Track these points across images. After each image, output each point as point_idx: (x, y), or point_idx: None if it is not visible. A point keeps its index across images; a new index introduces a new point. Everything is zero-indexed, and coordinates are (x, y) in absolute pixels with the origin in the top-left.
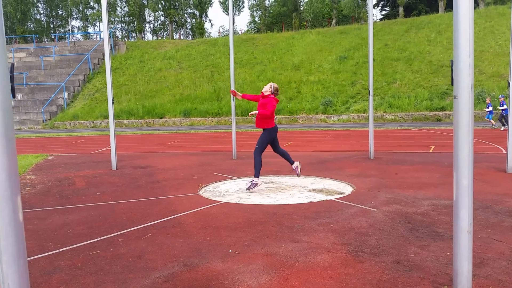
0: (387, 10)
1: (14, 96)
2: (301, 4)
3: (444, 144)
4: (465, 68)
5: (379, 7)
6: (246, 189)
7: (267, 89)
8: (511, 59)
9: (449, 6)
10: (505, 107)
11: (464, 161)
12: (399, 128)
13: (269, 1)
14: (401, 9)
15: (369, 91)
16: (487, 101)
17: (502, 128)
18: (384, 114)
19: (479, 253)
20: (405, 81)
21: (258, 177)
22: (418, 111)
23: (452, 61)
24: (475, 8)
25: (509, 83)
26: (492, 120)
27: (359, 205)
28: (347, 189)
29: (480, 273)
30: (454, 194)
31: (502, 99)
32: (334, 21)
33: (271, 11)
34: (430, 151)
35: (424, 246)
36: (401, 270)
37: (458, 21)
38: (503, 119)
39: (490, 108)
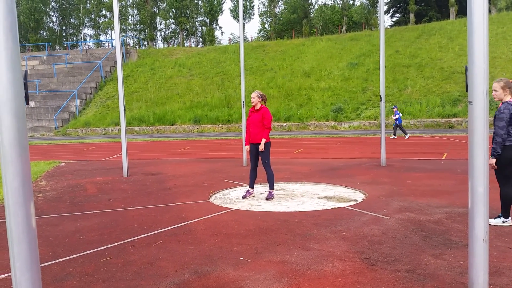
0: (397, 17)
1: (27, 103)
2: (311, 11)
3: (456, 151)
4: (480, 74)
5: (390, 14)
6: (266, 198)
7: (256, 100)
8: None
9: (461, 12)
10: (397, 116)
11: (480, 168)
12: (410, 135)
13: (279, 9)
14: (411, 16)
15: (380, 98)
16: (395, 109)
17: (392, 137)
18: (396, 121)
19: (495, 262)
20: (416, 87)
21: (273, 188)
22: (430, 118)
23: (466, 67)
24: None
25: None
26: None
27: (371, 213)
28: (359, 196)
29: (496, 283)
30: (469, 202)
31: (395, 109)
32: (344, 28)
33: (281, 18)
34: (443, 158)
35: (438, 254)
36: (415, 279)
37: (472, 26)
38: (397, 128)
39: (397, 116)
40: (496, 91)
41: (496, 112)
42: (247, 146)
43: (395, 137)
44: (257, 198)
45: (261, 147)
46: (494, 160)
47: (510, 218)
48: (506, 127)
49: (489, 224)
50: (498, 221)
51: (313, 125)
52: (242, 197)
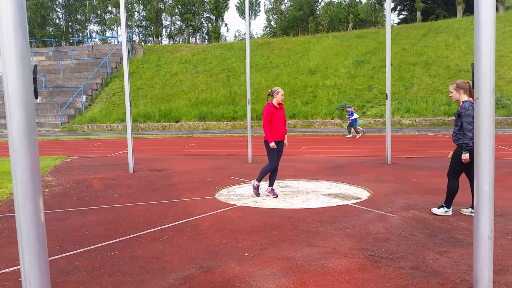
0: (404, 14)
1: (36, 97)
2: (318, 8)
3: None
4: (487, 72)
5: (396, 11)
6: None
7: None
8: None
9: (468, 10)
10: (353, 116)
11: (485, 166)
12: (416, 133)
13: (285, 5)
14: (418, 13)
15: (386, 96)
16: (352, 109)
17: (348, 136)
18: (402, 119)
19: (500, 260)
20: (422, 85)
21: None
22: (436, 116)
23: (473, 65)
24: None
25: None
26: (358, 127)
27: (376, 210)
28: (363, 194)
29: (501, 280)
30: (474, 200)
31: (349, 109)
32: (350, 25)
33: (287, 15)
34: (449, 156)
35: (443, 252)
36: (420, 276)
37: (479, 24)
38: (351, 127)
39: (354, 116)
40: (451, 92)
41: (461, 110)
42: (273, 144)
43: (350, 136)
44: (262, 195)
45: (286, 142)
46: (468, 155)
47: (451, 208)
48: (473, 122)
49: (433, 214)
50: (442, 211)
51: (318, 123)
52: (267, 194)
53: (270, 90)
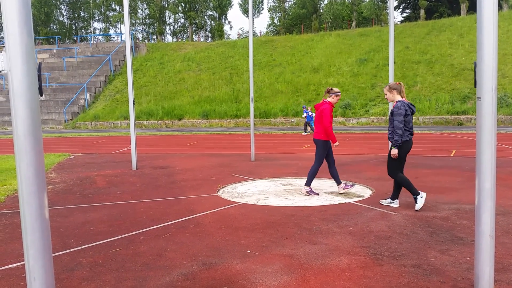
0: (408, 13)
1: (41, 95)
2: (321, 6)
3: (465, 148)
4: (489, 70)
5: (400, 10)
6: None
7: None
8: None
9: (472, 8)
10: (305, 115)
11: (487, 164)
12: (419, 131)
13: (288, 3)
14: (422, 12)
15: None
16: (309, 109)
17: (304, 134)
18: None
19: (501, 258)
20: (426, 84)
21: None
22: (439, 115)
23: (475, 63)
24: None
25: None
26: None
27: (378, 209)
28: (366, 192)
29: (502, 279)
30: (476, 198)
31: (305, 108)
32: (354, 23)
33: (290, 13)
34: (451, 155)
35: (444, 250)
36: (421, 274)
37: (481, 22)
38: (307, 126)
39: (305, 115)
40: (386, 94)
41: (393, 109)
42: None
43: (306, 133)
44: (265, 192)
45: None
46: (396, 151)
47: (397, 200)
48: (404, 121)
49: (380, 203)
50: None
51: None
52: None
53: (330, 88)
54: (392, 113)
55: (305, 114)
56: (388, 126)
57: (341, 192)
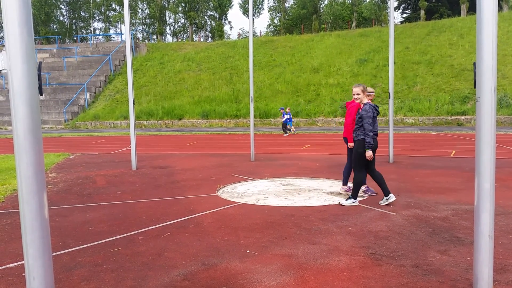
0: (408, 13)
1: (41, 94)
2: (321, 6)
3: (465, 149)
4: (488, 70)
5: (400, 10)
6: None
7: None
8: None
9: (472, 9)
10: (285, 117)
11: (486, 164)
12: (419, 132)
13: (288, 4)
14: (422, 12)
15: (389, 94)
16: (288, 110)
17: (285, 135)
18: (404, 118)
19: (500, 258)
20: (426, 84)
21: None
22: (439, 115)
23: (475, 64)
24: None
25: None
26: (292, 127)
27: (377, 209)
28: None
29: (501, 279)
30: (475, 198)
31: (282, 111)
32: (354, 24)
33: (290, 14)
34: (451, 155)
35: (443, 250)
36: (420, 274)
37: (481, 23)
38: (284, 127)
39: (286, 117)
40: (358, 94)
41: (362, 112)
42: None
43: (287, 134)
44: (264, 192)
45: (350, 144)
46: (371, 152)
47: (358, 199)
48: (373, 122)
49: (341, 204)
50: (349, 202)
51: (321, 121)
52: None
53: (365, 87)
54: (361, 116)
55: (285, 117)
56: (355, 126)
57: (341, 192)
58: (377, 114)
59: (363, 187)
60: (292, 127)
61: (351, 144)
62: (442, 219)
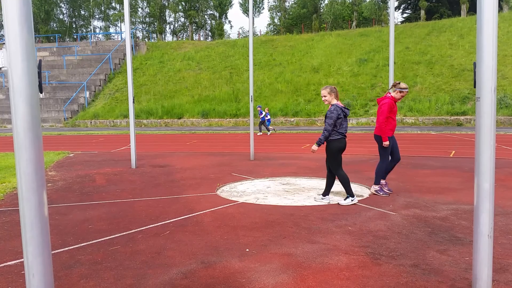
0: (408, 13)
1: (41, 92)
2: (322, 6)
3: (464, 149)
4: (488, 70)
5: (400, 10)
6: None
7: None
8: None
9: (472, 9)
10: (262, 115)
11: (486, 164)
12: (419, 132)
13: (289, 3)
14: (422, 12)
15: None
16: (266, 110)
17: (259, 133)
18: (404, 117)
19: (500, 258)
20: (426, 84)
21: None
22: (439, 115)
23: (475, 64)
24: (499, 11)
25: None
26: (270, 126)
27: (377, 208)
28: (365, 192)
29: (500, 279)
30: (475, 198)
31: (259, 109)
32: (354, 24)
33: (291, 13)
34: (451, 155)
35: (443, 250)
36: (419, 273)
37: (481, 23)
38: (262, 125)
39: (263, 115)
40: (325, 96)
41: (327, 113)
42: (387, 142)
43: (261, 133)
44: (264, 191)
45: (385, 143)
46: (316, 147)
47: (355, 195)
48: (334, 124)
49: (340, 204)
50: (348, 201)
51: (321, 121)
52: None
53: (397, 82)
54: (326, 116)
55: (262, 114)
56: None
57: (372, 191)
58: (346, 115)
59: (382, 181)
60: (270, 126)
61: (386, 143)
62: (441, 219)
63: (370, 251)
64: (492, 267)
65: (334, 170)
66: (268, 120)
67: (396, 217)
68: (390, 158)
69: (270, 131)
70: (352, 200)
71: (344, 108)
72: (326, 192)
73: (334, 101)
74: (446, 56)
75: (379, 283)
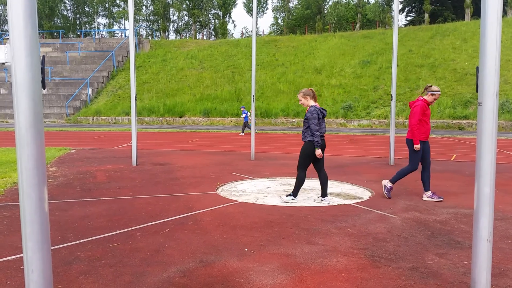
0: (412, 16)
1: (44, 88)
2: (325, 7)
3: (465, 153)
4: (491, 75)
5: (404, 13)
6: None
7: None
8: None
9: (476, 13)
10: (244, 115)
11: (487, 169)
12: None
13: (292, 4)
14: (426, 16)
15: (391, 97)
16: (242, 109)
17: (241, 134)
18: (406, 120)
19: (499, 263)
20: None
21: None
22: (441, 119)
23: (477, 68)
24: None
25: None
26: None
27: (377, 211)
28: (365, 194)
29: (499, 284)
30: (475, 202)
31: (243, 109)
32: (358, 25)
33: (294, 14)
34: (452, 159)
35: (442, 254)
36: (418, 277)
37: (485, 27)
38: (245, 126)
39: (245, 115)
40: (300, 100)
41: (307, 114)
42: (418, 146)
43: (243, 134)
44: (263, 192)
45: (416, 146)
46: (320, 150)
47: (297, 196)
48: (319, 123)
49: (280, 197)
50: (289, 198)
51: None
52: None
53: (429, 85)
54: (307, 118)
55: (243, 115)
56: (303, 127)
57: (425, 199)
58: (323, 117)
59: (428, 193)
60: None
61: (417, 146)
62: (441, 222)
63: (369, 253)
64: (491, 272)
65: (298, 167)
66: (246, 118)
67: (396, 220)
68: (421, 165)
69: (244, 133)
70: (292, 200)
71: (322, 109)
72: (324, 193)
73: (312, 103)
74: (449, 60)
75: (377, 285)
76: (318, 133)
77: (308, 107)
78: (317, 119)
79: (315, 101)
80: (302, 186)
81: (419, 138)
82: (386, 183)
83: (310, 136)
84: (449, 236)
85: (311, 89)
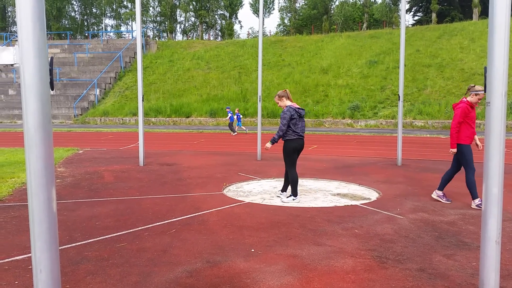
0: (419, 16)
1: (52, 89)
2: (332, 7)
3: (473, 154)
4: (499, 75)
5: (412, 13)
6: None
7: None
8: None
9: (484, 13)
10: (229, 115)
11: (495, 169)
12: (428, 135)
13: (299, 4)
14: (433, 15)
15: (398, 97)
16: (236, 111)
17: (233, 134)
18: (414, 121)
19: (507, 265)
20: (436, 88)
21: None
22: (449, 119)
23: (485, 68)
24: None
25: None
26: (242, 126)
27: (384, 212)
28: (372, 195)
29: (508, 286)
30: (483, 203)
31: (228, 109)
32: (365, 25)
33: (301, 14)
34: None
35: (450, 255)
36: (425, 278)
37: (493, 26)
38: (231, 127)
39: (230, 115)
40: (277, 102)
41: (282, 113)
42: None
43: (235, 133)
44: (270, 192)
45: (479, 142)
46: (270, 145)
47: (298, 196)
48: (287, 124)
49: (282, 201)
50: (290, 199)
51: (329, 122)
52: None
53: (472, 85)
54: (281, 116)
55: (229, 115)
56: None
57: (433, 196)
58: (300, 116)
59: (439, 192)
60: (242, 126)
61: (453, 150)
62: (449, 223)
63: (377, 254)
64: (499, 273)
65: (287, 168)
66: (239, 119)
67: (403, 221)
68: (453, 166)
69: (236, 132)
70: (293, 200)
71: (299, 108)
72: (284, 188)
73: (288, 103)
74: (456, 60)
75: (385, 287)
76: (281, 132)
77: (284, 107)
78: (291, 119)
79: (291, 101)
80: (302, 187)
81: (463, 142)
82: (473, 204)
83: (289, 135)
84: (457, 237)
85: (285, 90)
